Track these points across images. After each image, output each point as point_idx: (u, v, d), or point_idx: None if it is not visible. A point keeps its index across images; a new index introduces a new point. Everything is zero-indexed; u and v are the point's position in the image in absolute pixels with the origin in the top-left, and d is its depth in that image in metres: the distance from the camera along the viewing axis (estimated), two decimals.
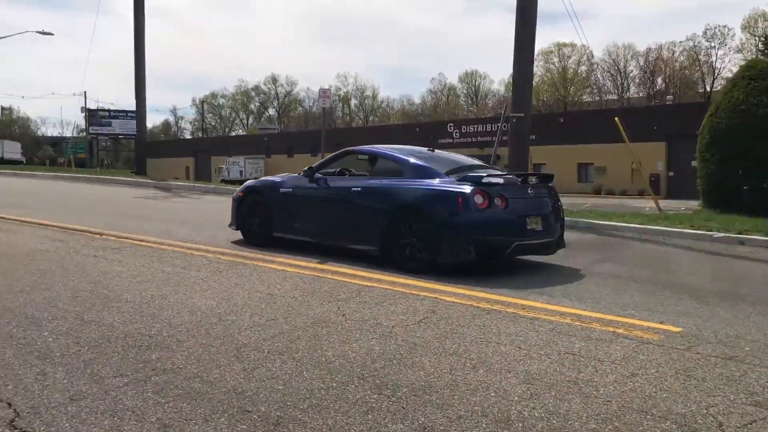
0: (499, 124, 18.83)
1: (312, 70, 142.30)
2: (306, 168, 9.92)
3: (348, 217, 9.01)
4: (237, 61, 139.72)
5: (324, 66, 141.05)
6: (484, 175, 8.35)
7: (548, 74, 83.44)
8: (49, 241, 9.70)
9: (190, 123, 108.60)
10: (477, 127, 54.52)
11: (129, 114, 64.03)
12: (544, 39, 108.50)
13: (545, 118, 51.90)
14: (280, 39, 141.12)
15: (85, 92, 76.92)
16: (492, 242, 7.97)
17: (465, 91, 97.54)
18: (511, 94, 17.78)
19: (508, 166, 17.25)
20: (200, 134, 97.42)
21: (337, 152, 10.19)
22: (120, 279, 7.25)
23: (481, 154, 52.14)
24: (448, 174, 8.51)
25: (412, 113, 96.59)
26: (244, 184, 10.94)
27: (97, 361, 4.63)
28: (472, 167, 9.19)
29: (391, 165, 9.05)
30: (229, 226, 10.51)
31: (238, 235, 10.27)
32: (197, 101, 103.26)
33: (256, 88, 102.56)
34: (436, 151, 10.03)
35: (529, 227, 8.26)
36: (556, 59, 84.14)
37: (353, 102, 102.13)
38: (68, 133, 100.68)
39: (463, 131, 54.95)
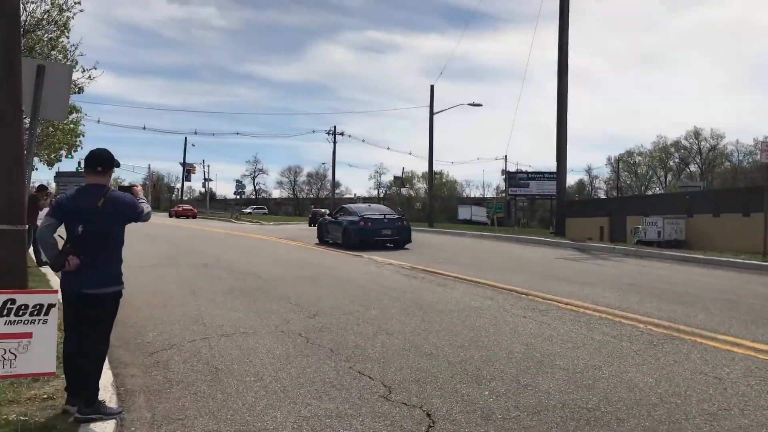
0: None
1: (742, 120, 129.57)
2: (329, 212, 27.02)
3: (337, 230, 21.98)
4: (654, 116, 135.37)
5: (758, 115, 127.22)
6: (367, 214, 21.64)
7: None
8: (481, 299, 10.30)
9: (605, 182, 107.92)
10: None
11: (546, 175, 66.58)
12: None
13: None
14: (704, 90, 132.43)
15: (505, 156, 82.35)
16: (366, 239, 20.61)
17: None
18: None
19: None
20: (614, 193, 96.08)
21: (338, 207, 24.93)
22: (551, 343, 7.23)
23: None
24: (361, 215, 21.56)
25: None
26: (319, 220, 26.81)
27: (536, 429, 4.57)
28: (372, 210, 22.99)
29: (349, 210, 22.93)
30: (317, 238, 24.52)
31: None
32: (612, 160, 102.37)
33: (676, 143, 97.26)
34: (372, 205, 26.43)
35: (383, 233, 20.94)
36: None
37: None
38: (488, 194, 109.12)
39: None
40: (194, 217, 64.41)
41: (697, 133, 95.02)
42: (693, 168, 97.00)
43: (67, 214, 4.69)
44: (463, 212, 73.62)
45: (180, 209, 67.71)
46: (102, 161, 4.80)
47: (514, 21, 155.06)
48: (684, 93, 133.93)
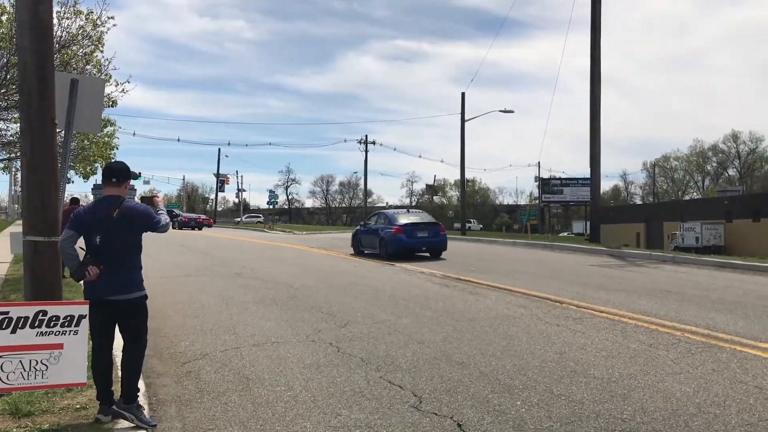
0: None
1: None
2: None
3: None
4: (691, 121, 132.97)
5: None
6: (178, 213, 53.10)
7: None
8: (514, 307, 10.18)
9: (640, 188, 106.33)
10: None
11: (580, 181, 65.74)
12: None
13: None
14: (741, 93, 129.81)
15: (539, 163, 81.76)
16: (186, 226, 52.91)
17: None
18: None
19: None
20: (651, 199, 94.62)
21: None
22: (584, 352, 7.10)
23: None
24: (181, 215, 49.26)
25: None
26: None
27: None
28: (189, 215, 52.63)
29: (181, 215, 52.84)
30: None
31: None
32: (648, 165, 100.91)
33: (714, 147, 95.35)
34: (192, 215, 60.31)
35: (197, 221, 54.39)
36: None
37: None
38: (522, 201, 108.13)
39: None
40: (209, 226, 58.59)
41: (735, 136, 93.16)
42: (732, 172, 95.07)
43: (85, 226, 4.80)
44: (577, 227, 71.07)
45: (185, 219, 58.22)
46: (117, 173, 4.94)
47: (544, 27, 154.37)
48: (720, 96, 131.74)
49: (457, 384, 5.90)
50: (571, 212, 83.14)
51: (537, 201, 72.36)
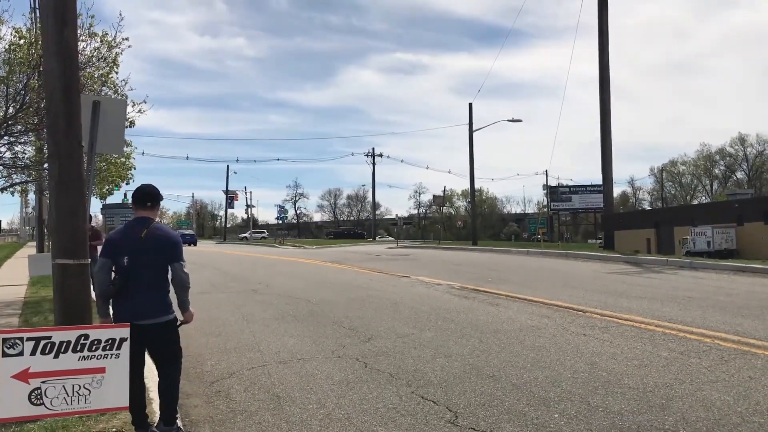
0: None
1: None
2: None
3: None
4: (696, 125, 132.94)
5: None
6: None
7: None
8: (537, 318, 10.10)
9: (648, 193, 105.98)
10: None
11: (588, 188, 65.75)
12: None
13: None
14: (744, 96, 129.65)
15: (546, 171, 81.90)
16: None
17: None
18: None
19: None
20: (659, 204, 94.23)
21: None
22: (616, 362, 7.02)
23: None
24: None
25: None
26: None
27: None
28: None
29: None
30: None
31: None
32: (655, 170, 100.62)
33: (721, 151, 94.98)
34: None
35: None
36: None
37: None
38: (529, 210, 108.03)
39: None
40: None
41: (742, 140, 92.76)
42: (740, 175, 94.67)
43: (115, 249, 4.77)
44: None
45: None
46: (151, 197, 4.96)
47: (544, 36, 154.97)
48: (724, 100, 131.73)
49: (491, 398, 5.84)
50: (579, 219, 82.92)
51: (545, 209, 72.19)
